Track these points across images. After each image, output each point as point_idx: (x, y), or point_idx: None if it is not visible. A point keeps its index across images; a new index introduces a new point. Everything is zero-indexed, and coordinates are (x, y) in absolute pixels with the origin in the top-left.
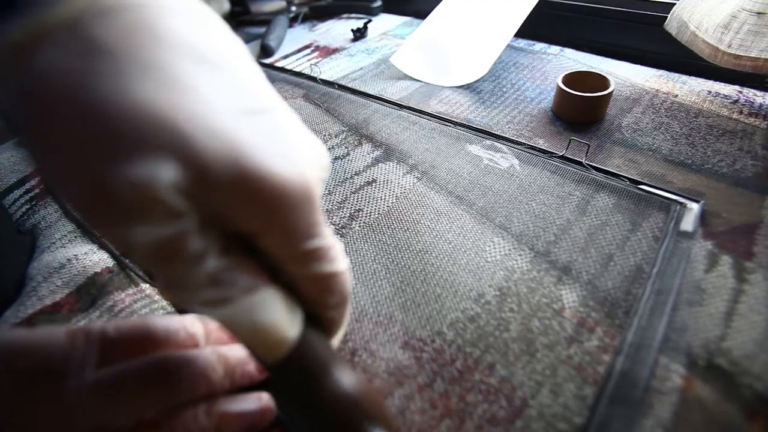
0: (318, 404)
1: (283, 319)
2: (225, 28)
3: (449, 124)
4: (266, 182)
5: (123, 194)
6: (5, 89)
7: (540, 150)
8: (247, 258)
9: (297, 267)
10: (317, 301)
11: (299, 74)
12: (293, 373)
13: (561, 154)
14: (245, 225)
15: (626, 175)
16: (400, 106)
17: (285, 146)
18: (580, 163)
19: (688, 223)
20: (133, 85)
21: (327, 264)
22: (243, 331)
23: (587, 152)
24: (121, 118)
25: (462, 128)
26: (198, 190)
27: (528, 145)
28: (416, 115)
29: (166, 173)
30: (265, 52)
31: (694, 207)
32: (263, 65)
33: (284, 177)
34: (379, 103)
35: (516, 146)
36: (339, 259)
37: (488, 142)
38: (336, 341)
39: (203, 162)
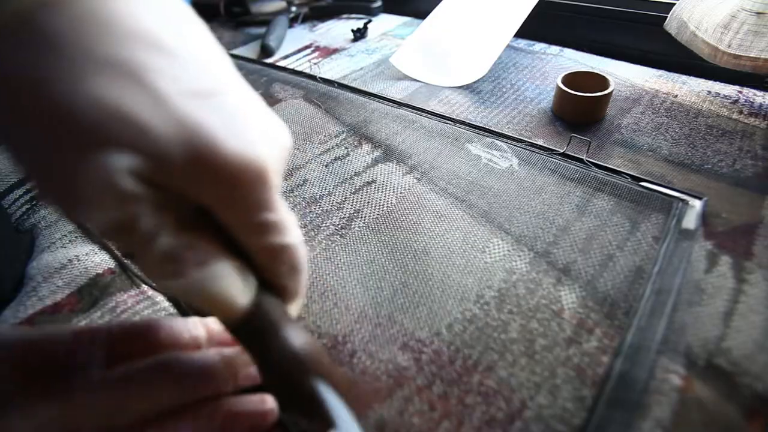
0: (268, 361)
1: (234, 288)
2: (182, 10)
3: (449, 122)
4: (219, 160)
5: (82, 184)
6: None
7: (541, 147)
8: (203, 232)
9: (250, 238)
10: (270, 270)
11: (299, 73)
12: (247, 333)
13: (562, 151)
14: (201, 200)
15: (627, 172)
16: (400, 104)
17: (237, 125)
18: (581, 161)
19: (690, 221)
20: (87, 82)
21: (278, 236)
22: (197, 300)
23: (588, 149)
24: (78, 114)
25: (462, 126)
26: (155, 172)
27: (528, 142)
28: (415, 114)
29: (121, 162)
30: (265, 52)
31: (697, 204)
32: (264, 65)
33: (236, 154)
34: (379, 102)
35: (516, 143)
36: (291, 232)
37: (488, 140)
38: (294, 310)
39: (157, 147)
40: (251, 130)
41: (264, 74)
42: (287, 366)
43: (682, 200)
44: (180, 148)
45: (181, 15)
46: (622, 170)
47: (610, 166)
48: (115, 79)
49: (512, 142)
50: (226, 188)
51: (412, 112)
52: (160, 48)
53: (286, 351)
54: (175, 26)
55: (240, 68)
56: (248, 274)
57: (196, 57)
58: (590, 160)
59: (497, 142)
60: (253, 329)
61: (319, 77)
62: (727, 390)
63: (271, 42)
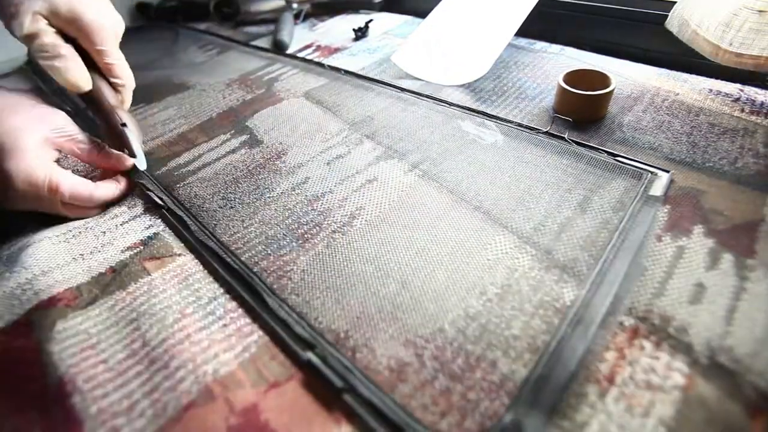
0: (102, 113)
1: (81, 77)
2: None
3: (454, 107)
4: (84, 19)
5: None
6: None
7: (547, 134)
8: (70, 48)
9: (97, 57)
10: (111, 75)
11: (308, 61)
12: (92, 99)
13: (564, 138)
14: (73, 35)
15: (604, 149)
16: (402, 90)
17: (93, 5)
18: (563, 138)
19: (658, 189)
20: None
21: (111, 59)
22: (61, 80)
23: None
24: None
25: (465, 111)
26: (52, 18)
27: (529, 127)
28: (419, 111)
29: (39, 7)
30: (278, 47)
31: (664, 176)
32: (285, 56)
33: (93, 18)
34: (382, 98)
35: (518, 127)
36: (118, 58)
37: (491, 140)
38: (127, 104)
39: (56, 7)
40: (101, 9)
41: (270, 73)
42: (110, 115)
43: (651, 172)
44: (66, 8)
45: None
46: (599, 147)
47: (589, 144)
48: None
49: (513, 126)
50: (87, 33)
51: (420, 98)
52: None
53: (109, 107)
54: None
55: (248, 63)
56: (93, 74)
57: None
58: (572, 138)
59: (498, 133)
60: (96, 99)
61: (327, 65)
62: (730, 388)
63: (284, 37)
